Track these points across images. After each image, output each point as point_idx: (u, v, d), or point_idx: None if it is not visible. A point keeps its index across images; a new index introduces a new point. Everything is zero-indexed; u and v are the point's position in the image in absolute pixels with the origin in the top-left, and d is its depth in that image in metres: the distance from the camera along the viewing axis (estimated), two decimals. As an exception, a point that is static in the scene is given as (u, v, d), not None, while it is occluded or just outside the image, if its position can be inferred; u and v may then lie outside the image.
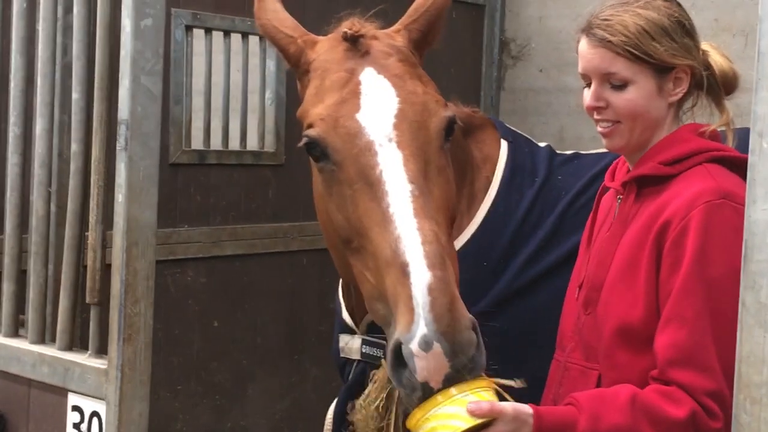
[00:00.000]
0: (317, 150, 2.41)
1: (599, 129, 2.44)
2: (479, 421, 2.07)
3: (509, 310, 2.87)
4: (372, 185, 2.29)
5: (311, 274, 4.93)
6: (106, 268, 2.84)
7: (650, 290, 2.25)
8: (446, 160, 2.46)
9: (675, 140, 2.38)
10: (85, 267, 2.91)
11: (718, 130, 2.45)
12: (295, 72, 2.71)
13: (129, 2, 2.69)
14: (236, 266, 4.69)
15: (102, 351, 2.84)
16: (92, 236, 2.86)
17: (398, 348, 2.10)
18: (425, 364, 2.06)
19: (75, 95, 2.94)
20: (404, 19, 2.69)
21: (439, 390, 2.09)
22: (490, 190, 2.99)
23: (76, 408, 2.83)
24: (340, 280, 2.99)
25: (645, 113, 2.37)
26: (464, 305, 2.16)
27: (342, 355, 2.97)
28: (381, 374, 2.51)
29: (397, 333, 2.12)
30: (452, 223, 2.46)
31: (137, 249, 2.70)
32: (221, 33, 4.61)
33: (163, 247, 4.31)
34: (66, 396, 2.86)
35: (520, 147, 3.11)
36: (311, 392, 4.99)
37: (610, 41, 2.33)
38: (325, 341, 4.95)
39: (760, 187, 1.77)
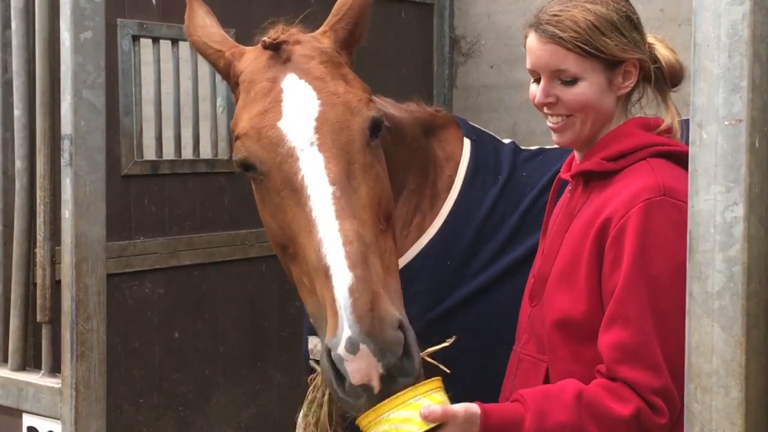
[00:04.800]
0: (245, 162, 2.45)
1: (549, 124, 2.43)
2: (432, 425, 2.09)
3: (475, 307, 2.88)
4: (296, 191, 2.33)
5: (271, 280, 4.89)
6: (56, 285, 2.80)
7: (592, 287, 2.25)
8: (374, 158, 2.47)
9: (620, 135, 2.38)
10: (35, 284, 2.87)
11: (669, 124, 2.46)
12: (229, 85, 2.73)
13: (68, 15, 2.65)
14: (194, 275, 4.65)
15: (56, 369, 2.80)
16: (41, 253, 2.82)
17: (331, 356, 2.12)
18: (356, 367, 2.08)
19: (17, 112, 2.90)
20: (330, 19, 2.71)
21: (389, 393, 2.11)
22: (452, 189, 3.00)
23: (31, 429, 2.79)
24: None
25: (596, 106, 2.36)
26: (390, 303, 2.17)
27: (311, 356, 2.97)
28: (319, 379, 2.52)
29: (326, 339, 2.14)
30: (387, 218, 2.47)
31: (87, 265, 2.67)
32: (169, 42, 4.57)
33: (119, 259, 4.27)
34: (20, 417, 2.82)
35: (484, 145, 3.11)
36: (276, 399, 4.97)
37: (561, 37, 2.31)
38: (287, 347, 4.94)
39: (701, 178, 1.78)
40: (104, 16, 2.73)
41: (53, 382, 2.76)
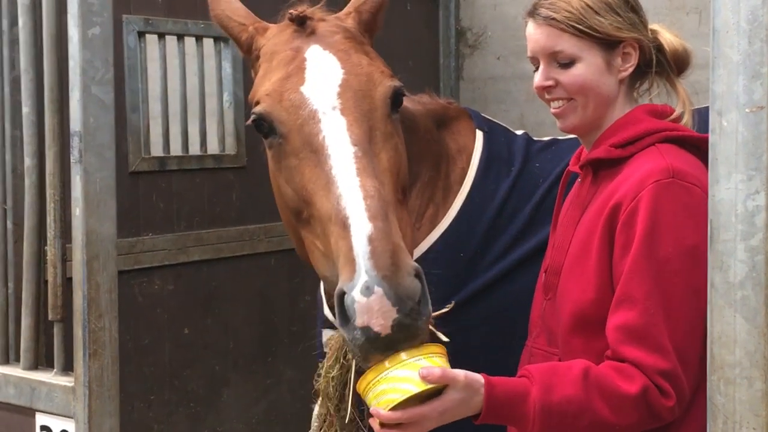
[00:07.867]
0: (265, 125, 2.46)
1: (552, 110, 2.43)
2: (430, 386, 2.04)
3: (489, 299, 2.87)
4: (316, 151, 2.34)
5: (280, 275, 4.88)
6: (67, 283, 2.79)
7: (602, 273, 2.24)
8: (394, 129, 2.50)
9: (628, 122, 2.37)
10: (46, 283, 2.85)
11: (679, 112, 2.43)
12: (248, 60, 2.76)
13: (75, 11, 2.64)
14: (203, 271, 4.64)
15: (68, 368, 2.80)
16: (51, 251, 2.81)
17: (342, 299, 2.09)
18: (367, 308, 2.04)
19: (25, 109, 2.89)
20: (354, 1, 2.76)
21: (388, 355, 2.06)
22: (465, 181, 2.99)
23: (44, 428, 2.79)
24: None
25: (595, 88, 2.36)
26: (408, 254, 2.17)
27: (325, 349, 2.95)
28: (335, 339, 2.47)
29: (340, 283, 2.11)
30: (403, 191, 2.49)
31: (98, 262, 2.66)
32: (175, 37, 4.55)
33: (128, 256, 4.25)
34: (33, 416, 2.82)
35: (496, 136, 3.10)
36: (287, 394, 4.95)
37: (554, 18, 2.34)
38: (297, 342, 4.92)
39: (722, 166, 1.76)
40: (112, 12, 2.71)
41: (66, 381, 2.75)
